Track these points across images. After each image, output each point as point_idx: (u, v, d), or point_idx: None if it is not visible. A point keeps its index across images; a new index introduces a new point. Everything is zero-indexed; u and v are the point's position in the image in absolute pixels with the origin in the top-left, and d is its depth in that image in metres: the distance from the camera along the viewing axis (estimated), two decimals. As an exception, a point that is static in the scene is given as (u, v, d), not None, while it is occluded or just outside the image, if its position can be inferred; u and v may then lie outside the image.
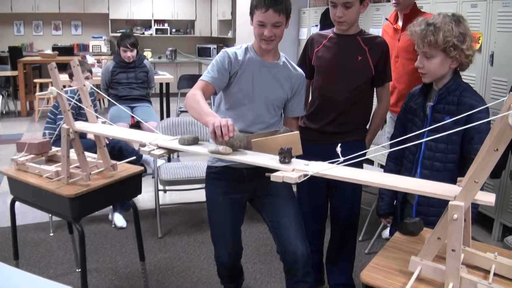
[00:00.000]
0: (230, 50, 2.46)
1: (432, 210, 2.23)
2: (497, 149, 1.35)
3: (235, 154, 2.00)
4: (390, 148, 2.25)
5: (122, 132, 2.52)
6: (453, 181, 2.11)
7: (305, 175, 1.70)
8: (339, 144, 1.73)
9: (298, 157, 1.94)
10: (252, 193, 2.55)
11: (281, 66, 2.51)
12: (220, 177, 2.51)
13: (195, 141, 2.11)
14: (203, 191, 2.71)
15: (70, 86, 3.36)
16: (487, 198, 1.48)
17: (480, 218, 4.19)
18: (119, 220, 4.14)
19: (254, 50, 2.49)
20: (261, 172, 1.85)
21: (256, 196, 2.56)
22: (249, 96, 2.43)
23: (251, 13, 2.38)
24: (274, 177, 1.73)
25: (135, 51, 5.22)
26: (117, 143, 4.24)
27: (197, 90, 2.31)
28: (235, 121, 2.42)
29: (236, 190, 2.51)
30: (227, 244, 2.57)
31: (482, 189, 1.47)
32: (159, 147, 2.10)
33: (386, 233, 3.88)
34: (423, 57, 2.20)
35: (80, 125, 2.62)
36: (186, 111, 6.19)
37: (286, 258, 2.42)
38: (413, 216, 2.31)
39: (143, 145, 2.15)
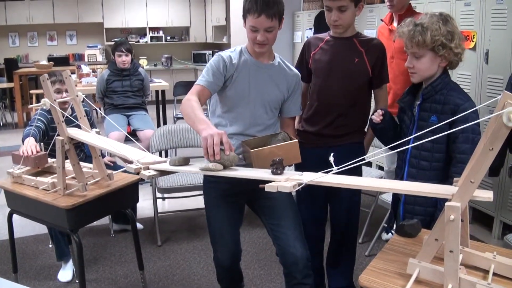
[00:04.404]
0: (224, 54, 2.45)
1: (418, 209, 2.25)
2: (492, 148, 1.34)
3: (226, 170, 2.00)
4: (391, 148, 2.26)
5: (110, 145, 2.51)
6: (440, 180, 2.13)
7: (299, 184, 1.69)
8: (332, 154, 1.73)
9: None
10: (250, 195, 2.53)
11: (276, 67, 2.51)
12: (219, 180, 2.47)
13: (185, 162, 2.11)
14: (201, 198, 2.69)
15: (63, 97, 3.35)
16: (485, 194, 1.47)
17: (480, 217, 4.18)
18: (63, 275, 3.48)
19: (249, 52, 2.49)
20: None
21: (255, 199, 2.54)
22: (245, 98, 2.43)
23: (244, 17, 2.37)
24: (268, 187, 1.72)
25: (130, 56, 5.20)
26: None
27: (193, 95, 2.29)
28: (233, 123, 2.43)
29: (234, 192, 2.49)
30: (226, 246, 2.54)
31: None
32: (150, 169, 2.10)
33: (387, 235, 3.87)
34: (412, 57, 2.21)
35: (72, 132, 2.62)
36: (182, 118, 6.20)
37: (286, 260, 2.41)
38: (401, 214, 2.32)
39: (130, 162, 2.14)
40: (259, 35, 2.33)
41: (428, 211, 2.23)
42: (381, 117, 2.38)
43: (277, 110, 2.55)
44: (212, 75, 2.36)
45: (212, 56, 10.21)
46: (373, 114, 2.46)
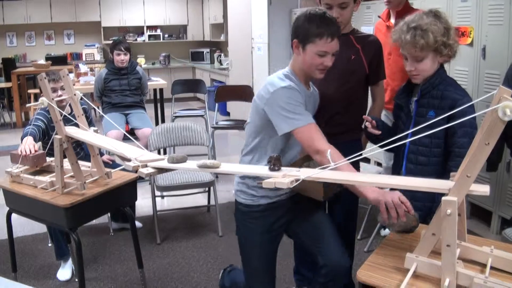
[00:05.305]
0: (293, 85, 2.18)
1: (416, 204, 2.24)
2: (488, 143, 1.34)
3: (223, 166, 2.00)
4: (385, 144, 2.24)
5: (107, 143, 2.51)
6: (439, 175, 2.13)
7: (296, 180, 1.69)
8: (329, 151, 1.73)
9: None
10: (290, 221, 2.44)
11: (313, 92, 2.40)
12: (266, 215, 2.35)
13: (183, 159, 2.11)
14: (200, 196, 2.69)
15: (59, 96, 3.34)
16: (482, 189, 1.48)
17: (479, 212, 4.19)
18: (62, 274, 3.48)
19: (298, 79, 2.28)
20: (303, 198, 1.82)
21: (291, 221, 2.44)
22: None
23: (306, 41, 2.17)
24: (266, 183, 1.72)
25: (128, 55, 5.21)
26: None
27: (324, 143, 2.05)
28: (268, 152, 2.24)
29: (278, 224, 2.40)
30: (268, 282, 2.47)
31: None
32: (149, 166, 2.10)
33: (384, 231, 3.88)
34: (413, 61, 2.19)
35: (71, 130, 2.62)
36: (180, 116, 6.21)
37: (332, 271, 2.30)
38: None
39: (128, 160, 2.15)
40: (328, 60, 2.17)
41: (426, 206, 2.23)
42: (374, 124, 2.36)
43: None
44: (305, 110, 2.17)
45: (210, 54, 9.98)
46: (366, 120, 2.41)
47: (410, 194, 2.27)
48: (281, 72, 2.29)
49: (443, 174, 2.15)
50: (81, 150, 3.71)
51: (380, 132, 2.33)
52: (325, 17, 2.15)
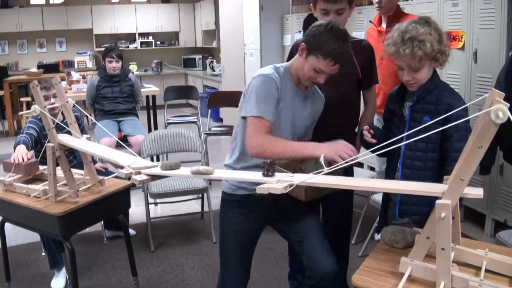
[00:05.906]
0: (272, 74, 2.20)
1: (414, 209, 2.24)
2: (481, 146, 1.35)
3: (216, 172, 1.99)
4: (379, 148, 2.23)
5: (100, 150, 2.50)
6: (435, 179, 2.13)
7: (290, 185, 1.69)
8: (322, 155, 1.73)
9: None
10: (273, 215, 2.44)
11: (310, 93, 2.40)
12: (241, 205, 2.37)
13: (177, 166, 2.11)
14: (193, 202, 2.68)
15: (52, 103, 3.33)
16: (475, 192, 1.48)
17: (472, 215, 4.20)
18: (56, 283, 3.46)
19: (291, 76, 2.31)
20: (284, 196, 1.83)
21: (278, 218, 2.45)
22: (279, 128, 2.27)
23: (311, 52, 2.16)
24: (260, 189, 1.72)
25: (120, 62, 5.20)
26: None
27: (263, 133, 2.10)
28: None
29: (256, 216, 2.40)
30: (241, 274, 2.47)
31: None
32: (142, 174, 2.09)
33: (378, 235, 3.87)
34: (410, 71, 2.17)
35: (63, 138, 2.61)
36: (173, 123, 6.20)
37: (316, 273, 2.33)
38: (397, 216, 2.32)
39: (121, 168, 2.14)
40: (322, 78, 2.20)
41: (423, 210, 2.22)
42: (372, 133, 2.36)
43: None
44: (271, 102, 2.17)
45: (202, 60, 9.97)
46: (362, 129, 2.41)
47: (407, 199, 2.27)
48: (278, 64, 2.32)
49: (439, 178, 2.15)
50: (73, 158, 3.70)
51: (375, 141, 2.33)
52: (342, 38, 2.13)
